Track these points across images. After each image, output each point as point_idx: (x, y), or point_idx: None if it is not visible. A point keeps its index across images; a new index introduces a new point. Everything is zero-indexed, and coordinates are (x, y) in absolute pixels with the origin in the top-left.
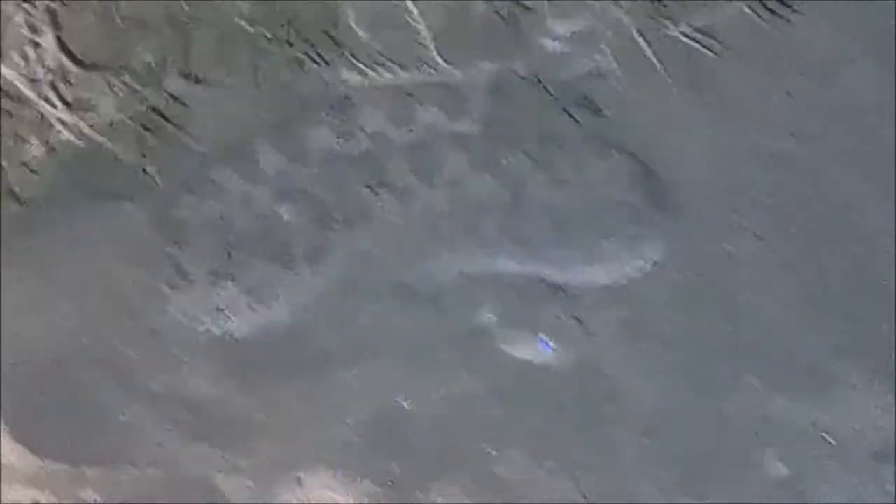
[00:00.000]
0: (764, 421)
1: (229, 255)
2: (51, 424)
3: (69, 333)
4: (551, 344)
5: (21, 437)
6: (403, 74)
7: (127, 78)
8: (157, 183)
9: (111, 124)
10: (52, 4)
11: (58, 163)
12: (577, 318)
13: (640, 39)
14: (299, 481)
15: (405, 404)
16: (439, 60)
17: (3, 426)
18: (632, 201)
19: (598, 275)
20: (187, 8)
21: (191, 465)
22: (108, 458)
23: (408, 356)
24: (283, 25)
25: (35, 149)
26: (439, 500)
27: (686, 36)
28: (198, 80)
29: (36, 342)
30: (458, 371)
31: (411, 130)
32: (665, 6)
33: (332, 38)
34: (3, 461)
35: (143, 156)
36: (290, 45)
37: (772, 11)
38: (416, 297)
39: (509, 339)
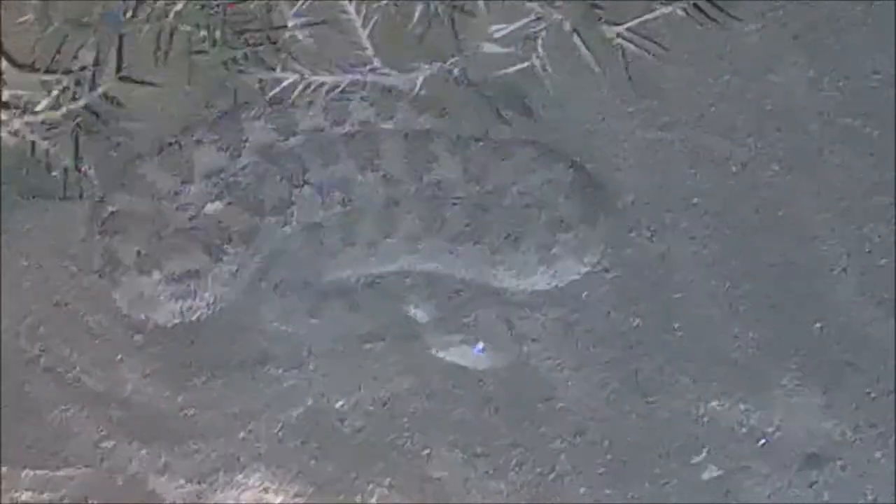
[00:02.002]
0: (696, 421)
1: (159, 246)
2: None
3: (4, 332)
4: (481, 345)
5: None
6: (340, 75)
7: (62, 78)
8: (92, 181)
9: (44, 123)
10: None
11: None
12: (509, 321)
13: (578, 41)
14: (234, 482)
15: (337, 405)
16: (376, 62)
17: None
18: (566, 204)
19: (533, 279)
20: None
21: (127, 464)
22: (43, 459)
23: (337, 355)
24: (219, 26)
25: None
26: (372, 501)
27: (622, 37)
28: (132, 80)
29: None
30: (390, 371)
31: (344, 127)
32: (601, 9)
33: (269, 38)
34: None
35: (78, 154)
36: (228, 45)
37: (706, 14)
38: (345, 296)
39: (442, 343)
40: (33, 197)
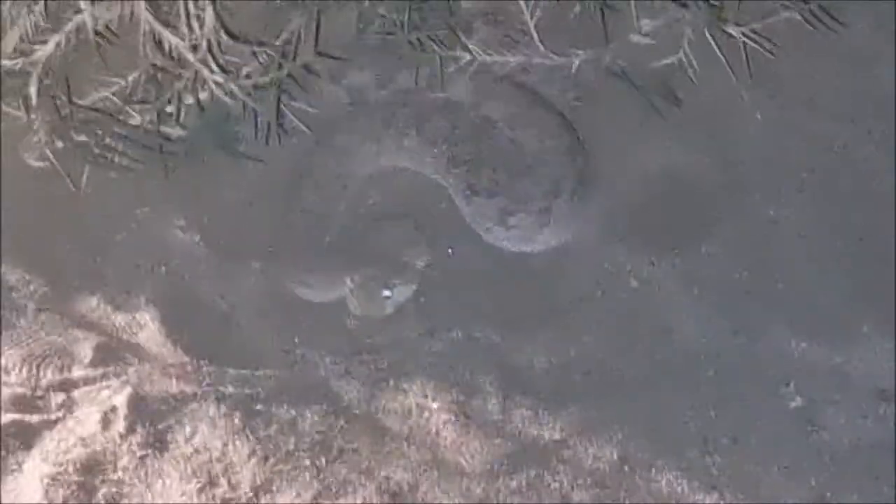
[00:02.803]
0: (787, 359)
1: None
2: (199, 327)
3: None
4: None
5: (175, 337)
6: (510, 57)
7: (270, 50)
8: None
9: (255, 87)
10: None
11: (203, 116)
12: (652, 262)
13: (710, 38)
14: (400, 388)
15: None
16: (540, 47)
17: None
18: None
19: None
20: None
21: (314, 370)
22: (245, 361)
23: None
24: (410, 12)
25: (185, 105)
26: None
27: (745, 35)
28: (327, 55)
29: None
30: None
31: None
32: (724, 9)
33: (449, 26)
34: (157, 356)
35: (279, 113)
36: (413, 26)
37: (817, 18)
38: None
39: None
40: (232, 147)
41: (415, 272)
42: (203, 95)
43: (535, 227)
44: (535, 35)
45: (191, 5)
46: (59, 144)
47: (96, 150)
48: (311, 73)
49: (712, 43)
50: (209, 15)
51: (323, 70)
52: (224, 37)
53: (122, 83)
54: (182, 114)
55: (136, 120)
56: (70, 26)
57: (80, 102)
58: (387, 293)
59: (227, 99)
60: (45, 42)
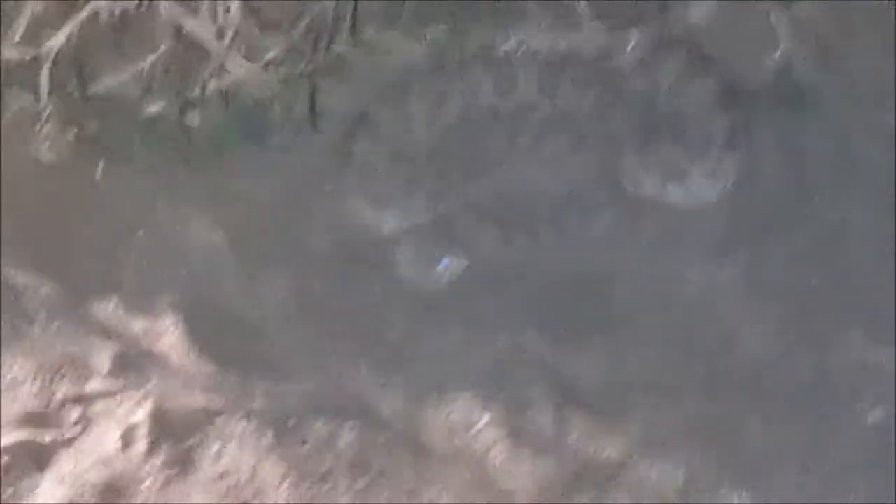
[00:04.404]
0: (864, 370)
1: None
2: (225, 335)
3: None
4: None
5: (199, 345)
6: (561, 37)
7: (303, 38)
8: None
9: (285, 78)
10: None
11: (227, 106)
12: (713, 267)
13: (773, 18)
14: (445, 400)
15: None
16: (592, 26)
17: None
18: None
19: None
20: None
21: (348, 382)
22: (273, 372)
23: None
24: None
25: (209, 94)
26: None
27: (815, 18)
28: (365, 44)
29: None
30: None
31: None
32: None
33: (492, 3)
34: (180, 366)
35: (314, 105)
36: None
37: None
38: None
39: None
40: (265, 138)
41: (469, 245)
42: (228, 85)
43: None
44: (585, 13)
45: None
46: (72, 136)
47: (112, 142)
48: (346, 63)
49: (777, 24)
50: (235, 2)
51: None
52: (251, 23)
53: (141, 67)
54: (206, 104)
55: (155, 108)
56: (84, 14)
57: (95, 90)
58: (444, 263)
59: (254, 90)
60: (56, 31)
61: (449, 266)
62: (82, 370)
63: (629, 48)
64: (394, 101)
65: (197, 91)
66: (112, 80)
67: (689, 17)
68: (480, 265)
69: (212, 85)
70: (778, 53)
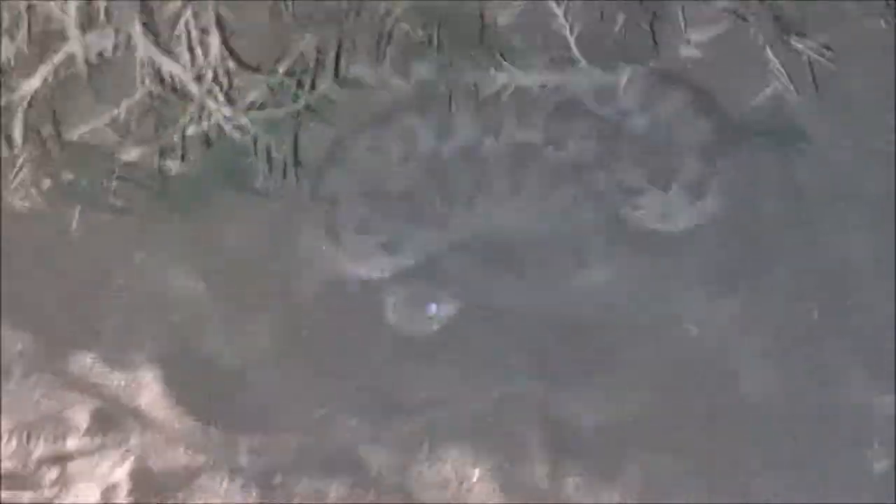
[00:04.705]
0: (870, 414)
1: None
2: (207, 388)
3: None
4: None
5: (181, 399)
6: (549, 75)
7: (285, 80)
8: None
9: (268, 121)
10: (220, 5)
11: (209, 151)
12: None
13: (770, 53)
14: (436, 453)
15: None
16: (583, 63)
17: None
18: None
19: None
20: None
21: (338, 433)
22: (260, 425)
23: None
24: (436, 27)
25: (188, 138)
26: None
27: (810, 49)
28: (350, 83)
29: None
30: None
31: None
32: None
33: (481, 39)
34: (162, 421)
35: (297, 149)
36: (444, 46)
37: None
38: None
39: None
40: (241, 186)
41: (458, 289)
42: (209, 129)
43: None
44: (575, 50)
45: (193, 29)
46: (47, 183)
47: (88, 189)
48: (332, 103)
49: (772, 59)
50: (215, 40)
51: None
52: (231, 64)
53: (116, 112)
54: (185, 148)
55: (133, 154)
56: (59, 57)
57: (70, 135)
58: (433, 308)
59: (236, 133)
60: (30, 75)
61: (438, 312)
62: (60, 427)
63: (622, 85)
64: (374, 139)
65: (176, 136)
66: (88, 126)
67: (680, 52)
68: (471, 309)
69: (191, 129)
70: (769, 88)
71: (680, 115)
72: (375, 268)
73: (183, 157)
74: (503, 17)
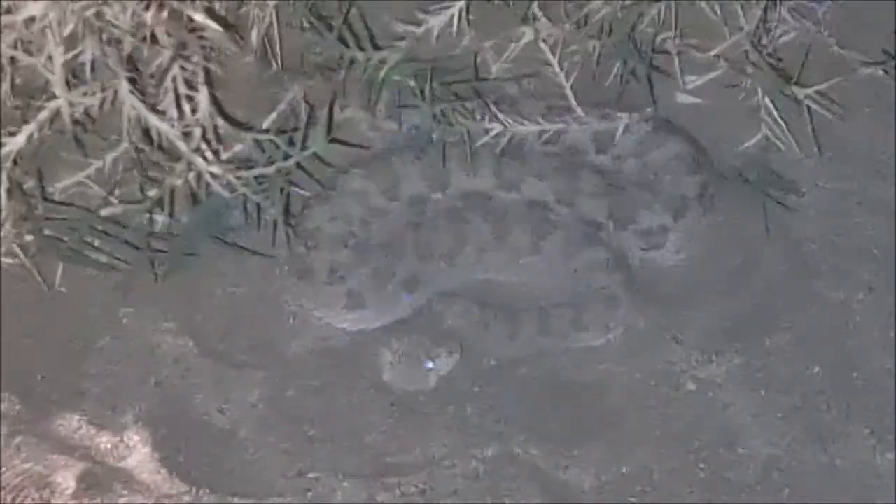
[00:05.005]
0: (873, 473)
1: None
2: (197, 449)
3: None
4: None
5: (170, 461)
6: (546, 124)
7: (275, 138)
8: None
9: (256, 178)
10: (207, 63)
11: (196, 207)
12: (710, 360)
13: (769, 103)
14: None
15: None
16: (579, 111)
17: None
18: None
19: None
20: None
21: (330, 495)
22: (250, 488)
23: None
24: (428, 79)
25: (175, 194)
26: None
27: (810, 98)
28: (343, 142)
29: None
30: None
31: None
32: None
33: (475, 89)
34: (150, 484)
35: (288, 209)
36: (437, 97)
37: None
38: None
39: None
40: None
41: (458, 341)
42: (196, 184)
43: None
44: (571, 98)
45: (181, 86)
46: (29, 238)
47: (73, 245)
48: (324, 163)
49: (773, 110)
50: (203, 97)
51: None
52: (220, 121)
53: (101, 165)
54: (172, 204)
55: (117, 210)
56: (44, 115)
57: (55, 189)
58: (429, 364)
59: (224, 192)
60: (14, 133)
61: (435, 368)
62: (46, 491)
63: (619, 133)
64: (360, 183)
65: (163, 191)
66: (73, 179)
67: (677, 99)
68: (465, 366)
69: (179, 184)
70: (759, 136)
71: (668, 165)
72: (341, 319)
73: (170, 214)
74: (497, 67)
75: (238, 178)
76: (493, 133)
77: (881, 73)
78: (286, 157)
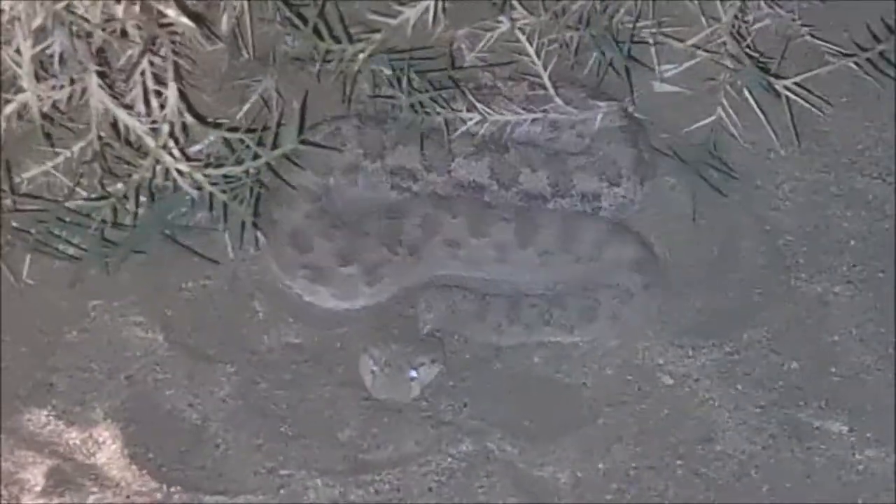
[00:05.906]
0: (851, 470)
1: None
2: (168, 445)
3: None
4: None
5: (140, 458)
6: (523, 114)
7: (245, 137)
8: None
9: (225, 177)
10: (177, 58)
11: (165, 201)
12: (688, 355)
13: (748, 94)
14: None
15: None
16: (557, 101)
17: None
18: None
19: None
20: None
21: (303, 492)
22: (222, 485)
23: None
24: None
25: (143, 188)
26: None
27: (788, 89)
28: (314, 144)
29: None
30: None
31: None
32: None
33: (452, 79)
34: (120, 480)
35: (256, 209)
36: (414, 88)
37: (876, 67)
38: None
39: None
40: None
41: (441, 351)
42: (163, 180)
43: None
44: (550, 87)
45: (150, 81)
46: None
47: (40, 238)
48: (295, 164)
49: (752, 101)
50: (172, 92)
51: None
52: (189, 118)
53: (69, 155)
54: (139, 198)
55: (85, 202)
56: (10, 108)
57: (22, 180)
58: (413, 373)
59: (192, 191)
60: None
61: (418, 378)
62: (13, 488)
63: (597, 122)
64: (343, 181)
65: (129, 186)
66: (40, 170)
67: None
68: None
69: (147, 179)
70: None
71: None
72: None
73: (137, 205)
74: (471, 57)
75: (206, 175)
76: (471, 122)
77: (853, 65)
78: (255, 157)
